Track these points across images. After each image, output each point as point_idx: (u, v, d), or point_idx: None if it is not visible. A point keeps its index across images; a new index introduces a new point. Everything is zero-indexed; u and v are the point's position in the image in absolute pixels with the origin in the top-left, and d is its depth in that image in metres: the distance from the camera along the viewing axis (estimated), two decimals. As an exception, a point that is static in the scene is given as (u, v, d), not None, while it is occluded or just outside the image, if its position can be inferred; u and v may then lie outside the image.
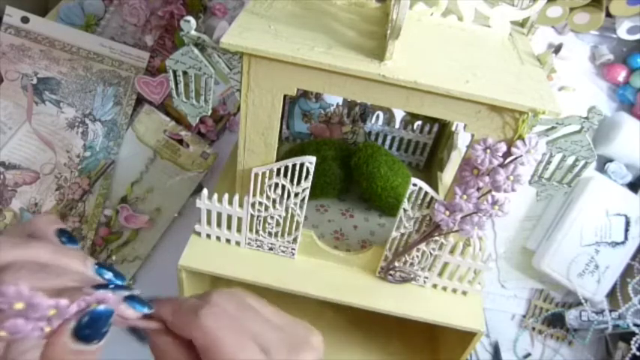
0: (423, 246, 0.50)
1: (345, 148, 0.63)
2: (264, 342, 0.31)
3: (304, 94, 0.68)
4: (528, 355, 0.83)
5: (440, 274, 0.53)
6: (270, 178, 0.48)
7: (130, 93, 0.76)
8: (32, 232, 0.32)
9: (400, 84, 0.39)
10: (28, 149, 0.74)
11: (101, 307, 0.28)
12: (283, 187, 0.48)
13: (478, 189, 0.43)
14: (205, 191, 0.51)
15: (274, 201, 0.50)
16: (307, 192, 0.48)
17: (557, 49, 0.72)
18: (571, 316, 0.78)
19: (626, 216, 0.74)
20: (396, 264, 0.52)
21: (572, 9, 0.69)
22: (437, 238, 0.49)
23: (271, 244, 0.54)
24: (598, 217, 0.74)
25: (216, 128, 0.78)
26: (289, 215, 0.50)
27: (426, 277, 0.53)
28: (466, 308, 0.53)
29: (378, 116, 0.68)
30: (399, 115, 0.68)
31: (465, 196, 0.43)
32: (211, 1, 0.75)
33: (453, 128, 0.64)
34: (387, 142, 0.69)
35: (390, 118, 0.68)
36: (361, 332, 0.67)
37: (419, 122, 0.67)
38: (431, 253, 0.51)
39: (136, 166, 0.77)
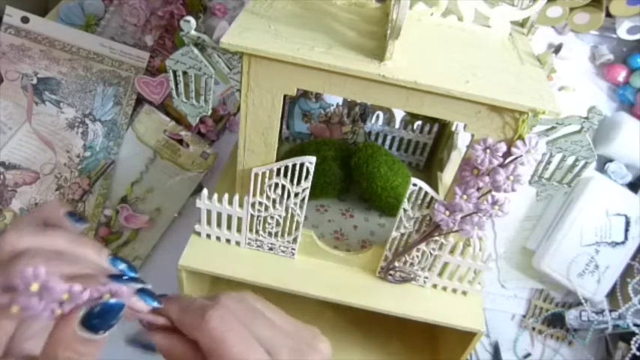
0: (423, 246, 0.50)
1: (345, 148, 0.63)
2: (270, 346, 0.32)
3: (304, 94, 0.68)
4: (528, 355, 0.83)
5: (440, 274, 0.53)
6: (270, 178, 0.48)
7: (130, 93, 0.76)
8: (45, 219, 0.33)
9: (400, 84, 0.39)
10: (28, 149, 0.74)
11: (113, 300, 0.29)
12: (283, 187, 0.48)
13: (478, 189, 0.43)
14: (205, 191, 0.51)
15: (274, 201, 0.50)
16: (307, 192, 0.48)
17: (557, 49, 0.72)
18: (571, 316, 0.78)
19: (626, 216, 0.74)
20: (396, 264, 0.52)
21: (572, 9, 0.69)
22: (437, 238, 0.49)
23: (271, 244, 0.54)
24: (598, 217, 0.74)
25: (216, 128, 0.78)
26: (289, 215, 0.50)
27: (426, 277, 0.53)
28: (466, 308, 0.53)
29: (378, 116, 0.68)
30: (399, 115, 0.68)
31: (465, 196, 0.43)
32: (211, 1, 0.75)
33: (453, 128, 0.64)
34: (387, 142, 0.69)
35: (390, 118, 0.68)
36: (361, 332, 0.67)
37: (419, 122, 0.67)
38: (431, 253, 0.51)
39: (136, 166, 0.77)
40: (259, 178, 0.48)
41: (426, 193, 0.46)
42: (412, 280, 0.53)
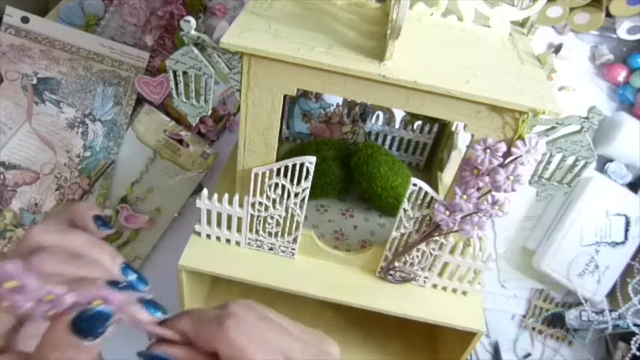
0: (423, 246, 0.50)
1: (345, 148, 0.63)
2: (288, 352, 0.32)
3: (304, 94, 0.68)
4: (528, 355, 0.83)
5: (440, 274, 0.53)
6: (270, 178, 0.48)
7: (130, 93, 0.76)
8: (73, 219, 0.34)
9: (400, 84, 0.39)
10: (28, 149, 0.74)
11: (101, 307, 0.29)
12: (283, 187, 0.48)
13: (478, 189, 0.43)
14: (205, 191, 0.51)
15: (274, 201, 0.50)
16: (307, 192, 0.48)
17: (557, 49, 0.72)
18: (571, 316, 0.78)
19: (626, 216, 0.74)
20: (396, 264, 0.52)
21: (572, 9, 0.69)
22: (437, 238, 0.49)
23: (271, 244, 0.54)
24: (598, 217, 0.74)
25: (216, 128, 0.78)
26: (289, 215, 0.50)
27: (426, 277, 0.53)
28: (466, 308, 0.53)
29: (378, 116, 0.68)
30: (399, 115, 0.68)
31: (465, 196, 0.43)
32: (211, 1, 0.75)
33: (453, 128, 0.64)
34: (387, 142, 0.69)
35: (390, 118, 0.68)
36: (361, 332, 0.67)
37: (419, 122, 0.67)
38: (431, 253, 0.51)
39: (136, 166, 0.77)
40: (259, 178, 0.48)
41: (426, 193, 0.46)
42: (412, 280, 0.53)
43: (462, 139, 0.62)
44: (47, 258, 0.30)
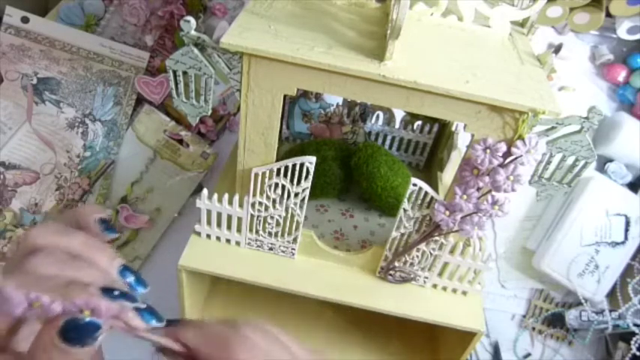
0: (423, 246, 0.50)
1: (345, 148, 0.63)
2: None
3: (304, 94, 0.68)
4: (528, 355, 0.83)
5: (440, 274, 0.53)
6: (270, 178, 0.48)
7: (130, 93, 0.76)
8: (77, 220, 0.34)
9: (400, 84, 0.39)
10: (28, 149, 0.74)
11: (89, 319, 0.28)
12: (283, 187, 0.48)
13: (478, 189, 0.43)
14: (205, 191, 0.51)
15: (274, 201, 0.50)
16: (307, 192, 0.48)
17: (557, 49, 0.72)
18: (571, 316, 0.78)
19: (626, 216, 0.74)
20: (396, 264, 0.52)
21: (572, 9, 0.69)
22: (437, 238, 0.49)
23: (271, 244, 0.54)
24: (598, 217, 0.74)
25: (216, 128, 0.78)
26: (289, 215, 0.50)
27: (426, 277, 0.53)
28: (466, 308, 0.53)
29: (378, 116, 0.68)
30: (399, 115, 0.68)
31: (465, 196, 0.43)
32: (211, 1, 0.75)
33: (453, 128, 0.64)
34: (387, 142, 0.69)
35: (390, 118, 0.68)
36: (361, 332, 0.67)
37: (419, 122, 0.67)
38: (431, 253, 0.51)
39: (136, 166, 0.77)
40: (259, 178, 0.48)
41: (426, 193, 0.46)
42: (412, 280, 0.53)
43: (462, 139, 0.62)
44: (44, 259, 0.30)
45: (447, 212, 0.45)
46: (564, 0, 0.69)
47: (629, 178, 0.76)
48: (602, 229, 0.74)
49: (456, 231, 0.46)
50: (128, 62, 0.75)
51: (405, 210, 0.48)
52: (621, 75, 0.75)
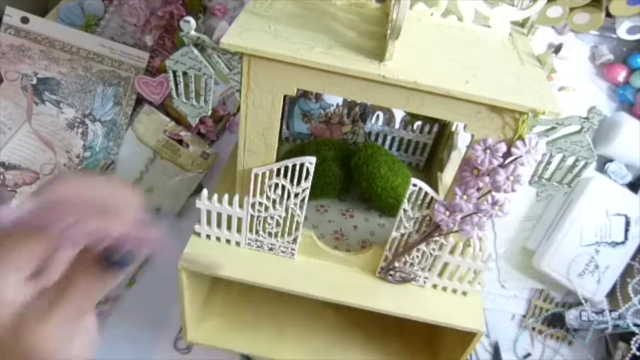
0: (423, 246, 0.50)
1: (345, 148, 0.63)
2: None
3: (304, 94, 0.68)
4: (528, 355, 0.83)
5: (440, 275, 0.53)
6: (270, 178, 0.48)
7: (130, 93, 0.76)
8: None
9: (400, 84, 0.39)
10: (28, 149, 0.74)
11: (127, 249, 0.32)
12: (283, 187, 0.48)
13: (478, 189, 0.43)
14: (205, 191, 0.51)
15: (274, 201, 0.49)
16: (307, 192, 0.48)
17: (557, 49, 0.72)
18: (571, 316, 0.78)
19: (626, 216, 0.74)
20: (396, 264, 0.52)
21: (572, 9, 0.69)
22: (437, 238, 0.49)
23: (271, 244, 0.54)
24: (598, 217, 0.74)
25: (216, 128, 0.78)
26: (289, 215, 0.50)
27: (426, 278, 0.53)
28: (466, 308, 0.53)
29: (378, 116, 0.68)
30: (399, 115, 0.68)
31: (465, 197, 0.43)
32: (211, 1, 0.75)
33: (453, 128, 0.64)
34: (387, 142, 0.69)
35: (390, 118, 0.68)
36: (361, 332, 0.67)
37: (419, 122, 0.67)
38: (431, 254, 0.51)
39: (136, 166, 0.77)
40: (259, 178, 0.48)
41: (426, 194, 0.46)
42: (412, 281, 0.53)
43: (462, 139, 0.62)
44: (73, 206, 0.32)
45: (447, 212, 0.45)
46: (564, 0, 0.69)
47: (629, 178, 0.76)
48: (602, 229, 0.74)
49: (456, 231, 0.46)
50: (128, 62, 0.75)
51: (405, 210, 0.48)
52: (621, 75, 0.75)
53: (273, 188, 0.48)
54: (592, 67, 0.76)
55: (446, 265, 0.52)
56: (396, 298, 0.53)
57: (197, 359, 0.77)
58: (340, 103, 0.68)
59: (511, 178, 0.41)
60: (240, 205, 0.51)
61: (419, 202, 0.47)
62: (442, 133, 0.67)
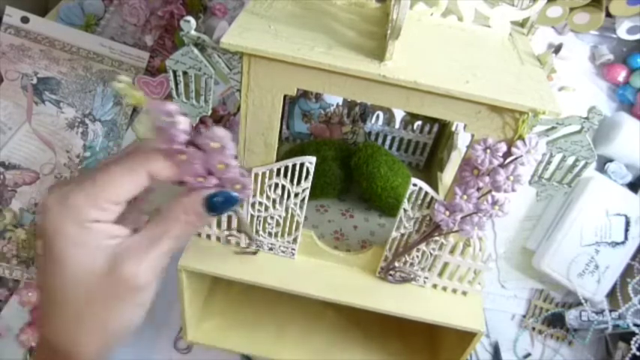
0: (423, 246, 0.50)
1: (345, 148, 0.63)
2: None
3: (304, 94, 0.68)
4: (528, 355, 0.83)
5: (440, 275, 0.53)
6: (270, 178, 0.48)
7: (130, 93, 0.76)
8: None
9: (400, 84, 0.39)
10: (28, 149, 0.74)
11: (234, 194, 0.36)
12: (283, 187, 0.48)
13: (478, 189, 0.43)
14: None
15: (274, 201, 0.49)
16: (307, 192, 0.48)
17: (557, 49, 0.72)
18: (571, 316, 0.78)
19: (626, 216, 0.74)
20: (396, 264, 0.52)
21: (572, 9, 0.69)
22: (437, 238, 0.49)
23: (271, 244, 0.54)
24: (598, 217, 0.74)
25: (216, 128, 0.78)
26: (289, 215, 0.50)
27: (426, 278, 0.53)
28: (466, 308, 0.53)
29: (378, 116, 0.68)
30: (399, 115, 0.68)
31: (465, 196, 0.43)
32: (211, 1, 0.75)
33: (453, 128, 0.64)
34: (387, 142, 0.69)
35: (390, 118, 0.68)
36: (361, 332, 0.67)
37: (419, 122, 0.67)
38: (431, 254, 0.51)
39: (136, 166, 0.77)
40: (259, 178, 0.48)
41: (426, 193, 0.46)
42: (412, 281, 0.53)
43: (462, 139, 0.62)
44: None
45: (447, 212, 0.45)
46: (564, 0, 0.69)
47: (629, 178, 0.76)
48: (602, 229, 0.74)
49: (456, 231, 0.46)
50: (128, 62, 0.75)
51: (405, 210, 0.48)
52: (621, 75, 0.75)
53: (273, 188, 0.48)
54: (592, 67, 0.76)
55: (446, 265, 0.52)
56: (396, 298, 0.53)
57: (197, 359, 0.77)
58: (340, 103, 0.68)
59: (511, 177, 0.41)
60: (240, 205, 0.51)
61: (419, 202, 0.47)
62: (442, 133, 0.67)
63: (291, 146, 0.68)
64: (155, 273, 0.35)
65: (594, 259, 0.75)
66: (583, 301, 0.77)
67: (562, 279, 0.76)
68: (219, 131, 0.34)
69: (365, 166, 0.58)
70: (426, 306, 0.52)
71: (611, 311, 0.76)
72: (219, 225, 0.53)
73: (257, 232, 0.53)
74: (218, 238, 0.54)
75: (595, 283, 0.76)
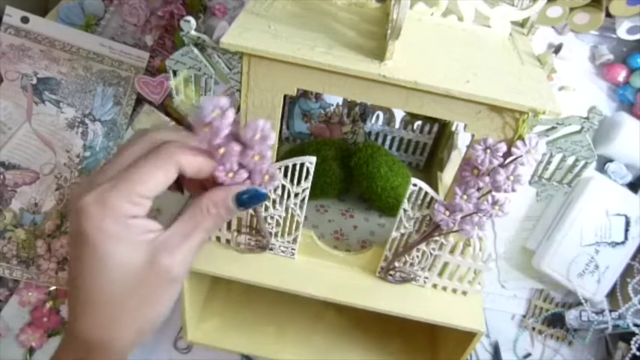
0: (423, 246, 0.50)
1: (345, 148, 0.63)
2: None
3: (304, 94, 0.68)
4: (528, 355, 0.83)
5: (440, 274, 0.53)
6: (270, 178, 0.48)
7: (130, 93, 0.76)
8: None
9: (400, 84, 0.39)
10: (28, 149, 0.74)
11: (263, 192, 0.37)
12: (283, 187, 0.48)
13: (478, 189, 0.43)
14: (205, 191, 0.51)
15: (274, 201, 0.49)
16: (307, 192, 0.48)
17: (557, 49, 0.72)
18: (571, 316, 0.78)
19: (626, 216, 0.74)
20: (396, 264, 0.52)
21: (572, 9, 0.69)
22: (437, 238, 0.49)
23: (271, 244, 0.54)
24: (598, 217, 0.74)
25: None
26: (289, 215, 0.50)
27: (426, 277, 0.53)
28: (466, 308, 0.53)
29: (378, 116, 0.68)
30: (399, 115, 0.68)
31: (465, 196, 0.43)
32: (211, 1, 0.75)
33: (453, 128, 0.64)
34: (387, 142, 0.69)
35: (390, 118, 0.68)
36: (361, 332, 0.67)
37: (419, 122, 0.67)
38: (431, 253, 0.51)
39: (136, 166, 0.77)
40: (259, 178, 0.48)
41: (426, 193, 0.46)
42: (412, 280, 0.53)
43: (462, 139, 0.62)
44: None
45: (447, 212, 0.45)
46: (564, 0, 0.69)
47: (629, 178, 0.76)
48: (602, 229, 0.74)
49: (456, 231, 0.46)
50: (128, 62, 0.75)
51: (405, 210, 0.48)
52: (621, 75, 0.75)
53: (273, 188, 0.48)
54: (592, 67, 0.76)
55: (446, 264, 0.52)
56: (396, 298, 0.53)
57: (197, 359, 0.77)
58: (340, 103, 0.68)
59: (511, 177, 0.41)
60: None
61: (419, 202, 0.47)
62: (442, 133, 0.67)
63: (291, 146, 0.68)
64: (188, 265, 0.37)
65: (594, 259, 0.75)
66: (583, 301, 0.77)
67: (562, 279, 0.76)
68: (261, 122, 0.35)
69: (365, 166, 0.58)
70: (426, 306, 0.52)
71: (611, 311, 0.76)
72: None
73: (258, 232, 0.53)
74: (218, 238, 0.54)
75: (595, 283, 0.76)
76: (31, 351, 0.76)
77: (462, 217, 0.45)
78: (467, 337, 0.53)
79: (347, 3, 0.48)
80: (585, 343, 0.80)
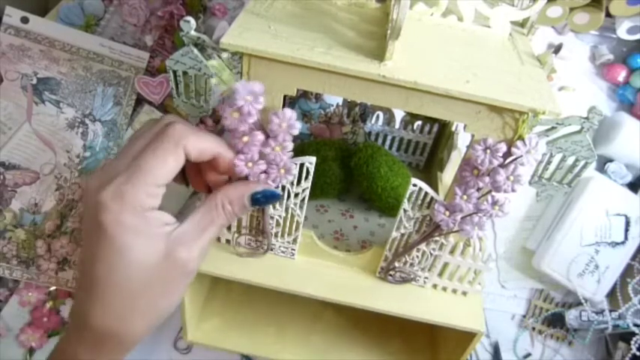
0: (423, 246, 0.50)
1: (345, 148, 0.63)
2: None
3: (304, 94, 0.68)
4: (528, 355, 0.83)
5: (440, 275, 0.53)
6: (270, 178, 0.48)
7: (130, 93, 0.76)
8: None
9: (400, 84, 0.39)
10: (28, 149, 0.74)
11: (278, 192, 0.39)
12: (283, 187, 0.48)
13: (478, 189, 0.43)
14: (205, 191, 0.51)
15: (274, 201, 0.49)
16: (307, 192, 0.48)
17: (557, 49, 0.72)
18: (571, 316, 0.78)
19: (626, 216, 0.74)
20: (396, 264, 0.52)
21: (572, 9, 0.69)
22: (437, 238, 0.49)
23: (271, 244, 0.54)
24: (598, 217, 0.74)
25: (217, 128, 0.78)
26: (289, 215, 0.50)
27: (426, 278, 0.53)
28: (466, 308, 0.53)
29: (378, 116, 0.68)
30: (399, 115, 0.68)
31: (465, 197, 0.43)
32: (211, 1, 0.75)
33: (453, 128, 0.64)
34: (387, 142, 0.69)
35: (390, 118, 0.68)
36: (361, 332, 0.67)
37: (419, 122, 0.67)
38: (431, 254, 0.51)
39: (136, 166, 0.77)
40: (259, 178, 0.48)
41: (426, 194, 0.46)
42: (412, 281, 0.53)
43: (462, 139, 0.62)
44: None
45: (447, 212, 0.45)
46: (564, 0, 0.69)
47: (629, 178, 0.76)
48: (602, 229, 0.74)
49: (456, 231, 0.46)
50: (128, 62, 0.75)
51: (405, 210, 0.48)
52: (621, 75, 0.75)
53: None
54: (592, 67, 0.76)
55: (446, 265, 0.52)
56: (396, 298, 0.53)
57: (197, 359, 0.77)
58: (340, 103, 0.68)
59: (511, 178, 0.41)
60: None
61: (419, 202, 0.47)
62: (442, 133, 0.67)
63: (291, 146, 0.68)
64: (202, 259, 0.38)
65: (594, 259, 0.75)
66: (583, 301, 0.77)
67: (562, 279, 0.76)
68: (289, 111, 0.36)
69: (365, 166, 0.58)
70: (426, 306, 0.52)
71: (611, 311, 0.76)
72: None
73: (259, 232, 0.53)
74: (218, 239, 0.54)
75: (595, 283, 0.76)
76: (31, 351, 0.76)
77: (462, 218, 0.45)
78: (467, 338, 0.53)
79: (347, 3, 0.48)
80: (585, 343, 0.80)
